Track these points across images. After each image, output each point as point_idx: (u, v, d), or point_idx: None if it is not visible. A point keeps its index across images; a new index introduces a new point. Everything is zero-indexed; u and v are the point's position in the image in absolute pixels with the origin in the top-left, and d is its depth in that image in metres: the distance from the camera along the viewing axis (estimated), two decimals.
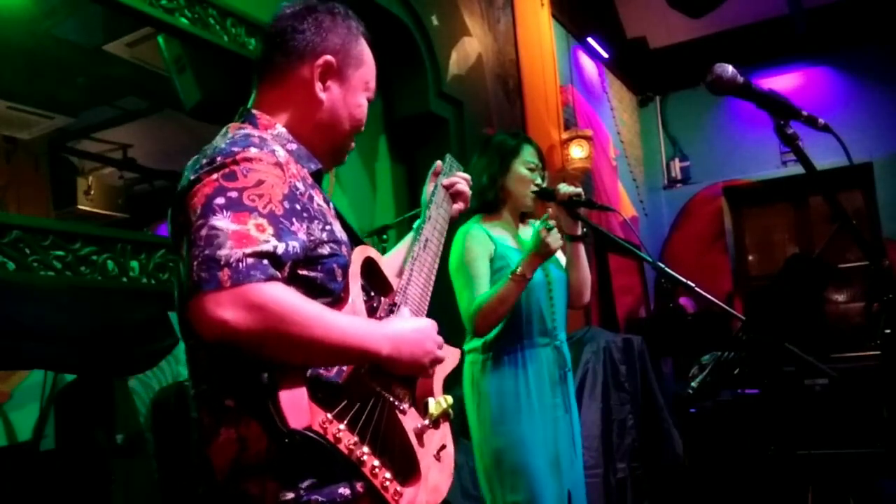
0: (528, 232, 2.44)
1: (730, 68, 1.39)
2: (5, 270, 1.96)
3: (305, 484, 1.12)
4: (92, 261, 2.19)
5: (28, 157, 2.99)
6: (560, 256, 2.44)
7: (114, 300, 2.21)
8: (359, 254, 1.30)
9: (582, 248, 2.37)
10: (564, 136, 5.02)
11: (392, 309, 1.33)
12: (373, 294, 1.35)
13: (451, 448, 1.35)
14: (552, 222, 2.12)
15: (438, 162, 1.71)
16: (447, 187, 1.64)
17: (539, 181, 2.35)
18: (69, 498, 2.04)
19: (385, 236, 2.85)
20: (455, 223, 1.73)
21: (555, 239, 2.12)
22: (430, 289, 1.44)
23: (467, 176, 1.70)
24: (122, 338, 2.06)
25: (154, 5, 2.40)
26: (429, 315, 1.39)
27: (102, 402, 2.13)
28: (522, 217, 2.45)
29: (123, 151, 3.49)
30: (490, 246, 2.26)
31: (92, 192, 3.16)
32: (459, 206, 1.67)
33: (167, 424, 2.34)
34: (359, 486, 1.15)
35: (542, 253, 2.12)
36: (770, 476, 3.54)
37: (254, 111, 1.34)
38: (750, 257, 7.00)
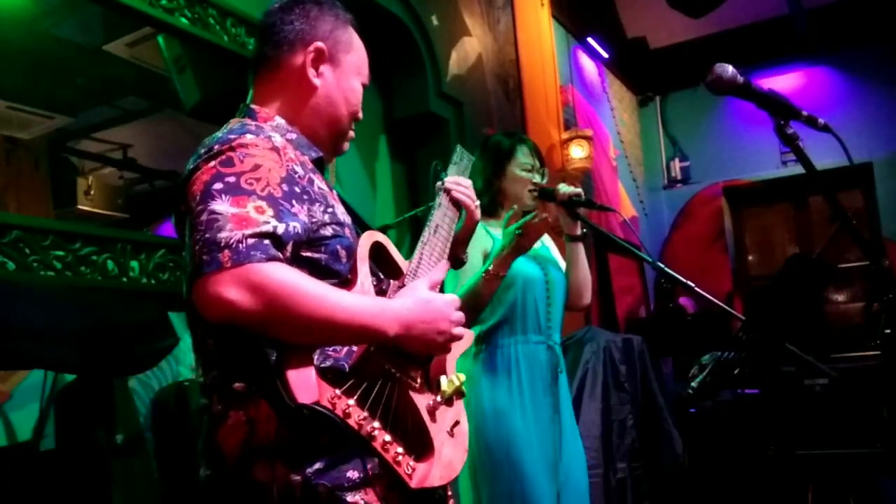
0: None
1: (730, 68, 1.39)
2: (5, 270, 1.96)
3: (314, 468, 1.12)
4: (92, 261, 2.19)
5: (28, 157, 2.99)
6: (559, 259, 2.44)
7: (114, 300, 2.21)
8: (367, 238, 1.31)
9: (582, 249, 2.37)
10: (564, 136, 5.02)
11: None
12: (382, 277, 1.35)
13: (464, 425, 1.34)
14: (520, 226, 2.07)
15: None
16: (447, 191, 1.58)
17: (538, 179, 2.35)
18: (69, 498, 2.04)
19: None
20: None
21: (533, 234, 2.08)
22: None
23: (469, 182, 1.63)
24: (122, 338, 2.06)
25: (154, 5, 2.40)
26: None
27: (102, 402, 2.13)
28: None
29: (123, 151, 3.48)
30: (487, 242, 2.26)
31: (92, 192, 3.15)
32: (467, 215, 1.60)
33: (167, 424, 2.34)
34: (370, 468, 1.15)
35: (514, 251, 2.09)
36: (770, 476, 3.54)
37: (253, 106, 1.37)
38: (750, 257, 7.00)
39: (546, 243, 2.47)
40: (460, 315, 1.29)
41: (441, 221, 1.51)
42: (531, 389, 2.21)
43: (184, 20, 2.50)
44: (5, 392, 2.32)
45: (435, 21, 3.82)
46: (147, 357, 2.14)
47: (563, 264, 2.41)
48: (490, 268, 2.09)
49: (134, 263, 2.30)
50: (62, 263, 2.10)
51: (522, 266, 2.24)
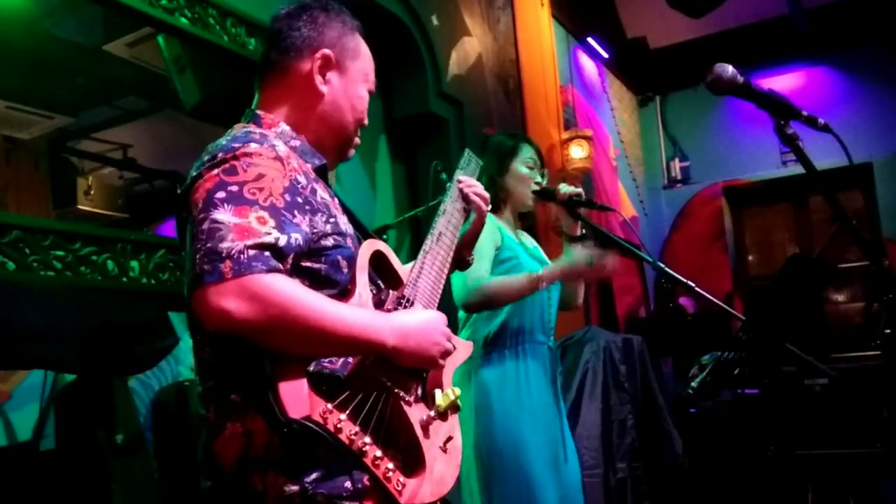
0: (527, 236, 2.46)
1: (730, 68, 1.39)
2: (5, 270, 1.96)
3: (311, 478, 1.12)
4: (92, 261, 2.19)
5: (28, 157, 2.99)
6: (547, 259, 2.45)
7: (114, 300, 2.21)
8: (367, 247, 1.30)
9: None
10: (564, 136, 5.02)
11: (401, 301, 1.33)
12: (381, 287, 1.35)
13: (458, 440, 1.33)
14: (593, 257, 2.15)
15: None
16: (463, 192, 1.60)
17: (539, 178, 2.36)
18: (69, 498, 2.04)
19: (385, 236, 2.84)
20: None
21: (599, 275, 2.21)
22: (442, 282, 1.43)
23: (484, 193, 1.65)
24: (122, 338, 2.06)
25: (154, 5, 2.40)
26: (438, 309, 1.38)
27: (102, 402, 2.12)
28: (521, 217, 2.45)
29: (123, 151, 3.48)
30: (496, 235, 2.26)
31: (92, 192, 3.15)
32: (476, 217, 1.63)
33: (167, 424, 2.34)
34: (365, 480, 1.15)
35: (570, 274, 2.19)
36: (770, 476, 3.54)
37: (258, 112, 1.37)
38: (750, 257, 7.00)
39: (535, 244, 2.48)
40: (449, 330, 1.32)
41: (445, 229, 1.50)
42: (538, 391, 2.21)
43: (184, 20, 2.50)
44: (5, 392, 2.32)
45: (435, 21, 3.82)
46: (147, 357, 2.14)
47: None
48: (540, 273, 2.15)
49: (134, 263, 2.30)
50: (62, 263, 2.10)
51: (530, 265, 2.25)
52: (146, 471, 2.20)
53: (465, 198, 1.59)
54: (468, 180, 1.62)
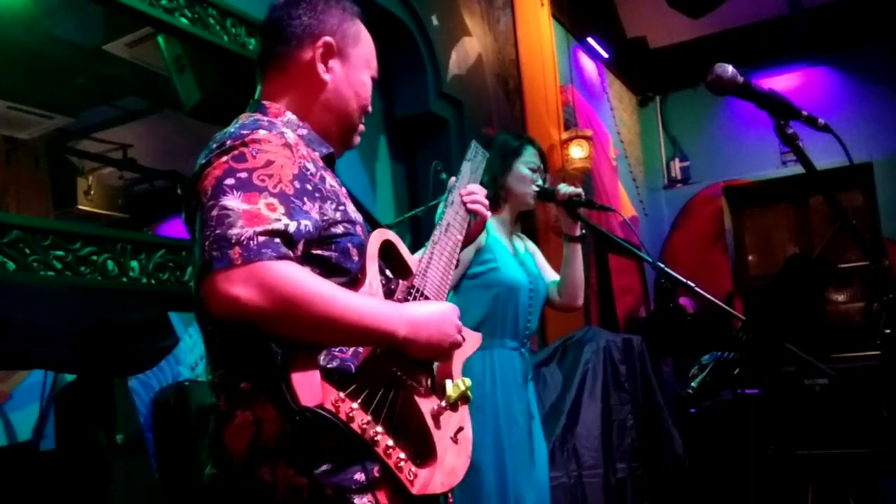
0: (524, 241, 2.46)
1: (730, 68, 1.39)
2: (5, 270, 1.96)
3: (320, 469, 1.11)
4: (92, 261, 2.19)
5: (28, 157, 2.98)
6: (545, 269, 2.44)
7: (114, 300, 2.21)
8: (377, 236, 1.30)
9: (579, 250, 2.37)
10: (564, 136, 5.02)
11: (410, 291, 1.32)
12: (391, 276, 1.35)
13: (468, 431, 1.33)
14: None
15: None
16: (463, 196, 1.61)
17: (540, 182, 2.36)
18: (69, 498, 2.04)
19: None
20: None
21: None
22: (451, 273, 1.43)
23: (482, 191, 1.65)
24: (122, 338, 2.06)
25: (154, 5, 2.40)
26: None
27: (102, 402, 2.12)
28: (520, 218, 2.45)
29: (123, 151, 3.48)
30: (480, 238, 2.25)
31: (92, 192, 3.14)
32: (478, 221, 1.63)
33: (167, 424, 2.34)
34: (374, 471, 1.14)
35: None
36: (770, 476, 3.54)
37: (263, 102, 1.36)
38: (750, 257, 7.00)
39: (531, 251, 2.47)
40: (460, 322, 1.31)
41: (452, 220, 1.51)
42: (504, 393, 2.21)
43: (184, 20, 2.50)
44: (5, 392, 2.32)
45: (435, 21, 3.82)
46: (147, 357, 2.13)
47: (547, 276, 2.41)
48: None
49: (134, 263, 2.30)
50: (62, 263, 2.10)
51: (510, 271, 2.24)
52: (146, 471, 2.20)
53: (465, 207, 1.58)
54: (469, 188, 1.61)
